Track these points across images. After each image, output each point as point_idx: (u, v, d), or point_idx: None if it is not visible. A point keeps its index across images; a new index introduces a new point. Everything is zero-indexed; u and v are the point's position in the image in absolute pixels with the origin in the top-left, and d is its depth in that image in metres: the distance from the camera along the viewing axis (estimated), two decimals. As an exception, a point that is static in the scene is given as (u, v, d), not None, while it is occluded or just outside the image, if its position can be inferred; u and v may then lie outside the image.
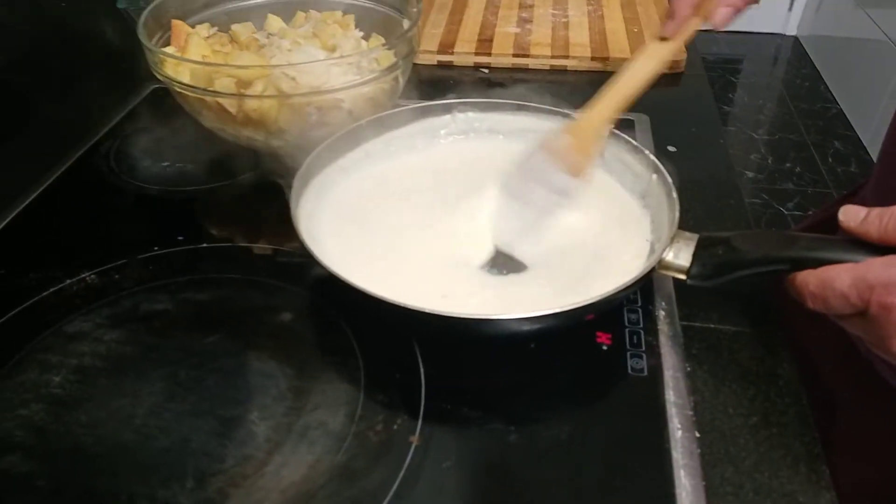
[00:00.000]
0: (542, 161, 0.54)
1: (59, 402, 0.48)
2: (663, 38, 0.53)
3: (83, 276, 0.58)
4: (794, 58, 3.21)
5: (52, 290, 0.57)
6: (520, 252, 0.55)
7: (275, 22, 0.77)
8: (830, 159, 2.44)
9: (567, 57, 0.92)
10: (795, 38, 3.35)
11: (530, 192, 0.55)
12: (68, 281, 0.58)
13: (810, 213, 2.18)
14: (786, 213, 2.19)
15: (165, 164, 0.74)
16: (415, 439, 0.45)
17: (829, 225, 0.65)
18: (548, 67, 0.93)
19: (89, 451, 0.45)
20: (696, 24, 0.52)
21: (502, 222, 0.56)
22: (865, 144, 2.48)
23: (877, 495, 0.58)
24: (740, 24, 3.59)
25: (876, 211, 0.39)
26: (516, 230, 0.55)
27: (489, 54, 0.93)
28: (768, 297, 0.56)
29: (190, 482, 0.43)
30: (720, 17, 0.51)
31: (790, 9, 3.30)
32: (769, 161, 2.45)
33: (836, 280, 0.38)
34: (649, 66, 0.53)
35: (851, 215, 0.40)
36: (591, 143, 0.55)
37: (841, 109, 2.73)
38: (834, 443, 0.58)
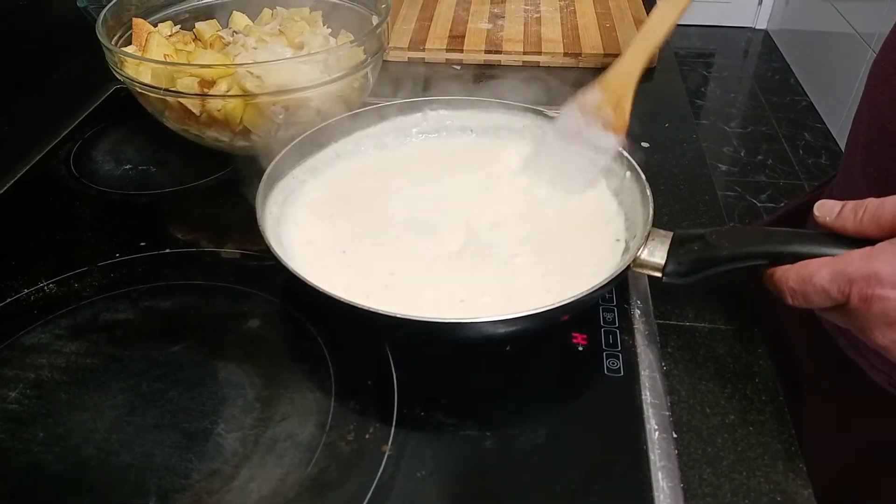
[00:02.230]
0: (578, 119, 0.55)
1: (16, 419, 0.46)
2: None
3: (41, 285, 0.56)
4: (764, 51, 3.25)
5: (8, 300, 0.55)
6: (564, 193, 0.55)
7: (240, 19, 0.75)
8: (801, 151, 2.47)
9: (539, 53, 0.91)
10: (766, 32, 3.39)
11: (568, 150, 0.55)
12: (25, 291, 0.56)
13: (783, 204, 2.21)
14: (759, 205, 2.21)
15: (128, 166, 0.71)
16: (388, 448, 0.44)
17: (799, 215, 0.66)
18: (520, 63, 0.92)
19: (48, 470, 0.43)
20: None
21: (543, 175, 0.57)
22: (835, 136, 2.52)
23: (847, 475, 0.58)
24: (711, 18, 3.62)
25: (850, 205, 0.39)
26: (557, 181, 0.56)
27: (461, 50, 0.92)
28: (743, 291, 0.56)
29: (153, 499, 0.41)
30: None
31: (760, 3, 3.34)
32: (742, 154, 2.47)
33: (815, 275, 0.38)
34: (671, 15, 0.54)
35: (826, 210, 0.40)
36: (623, 97, 0.55)
37: (811, 102, 2.77)
38: (805, 427, 0.58)
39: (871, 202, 0.38)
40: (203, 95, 0.61)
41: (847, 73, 2.46)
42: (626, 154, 0.56)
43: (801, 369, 0.63)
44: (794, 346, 0.65)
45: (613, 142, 0.55)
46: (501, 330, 0.46)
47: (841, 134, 2.48)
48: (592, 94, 0.55)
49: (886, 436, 0.57)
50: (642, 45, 0.55)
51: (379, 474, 0.42)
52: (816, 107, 2.72)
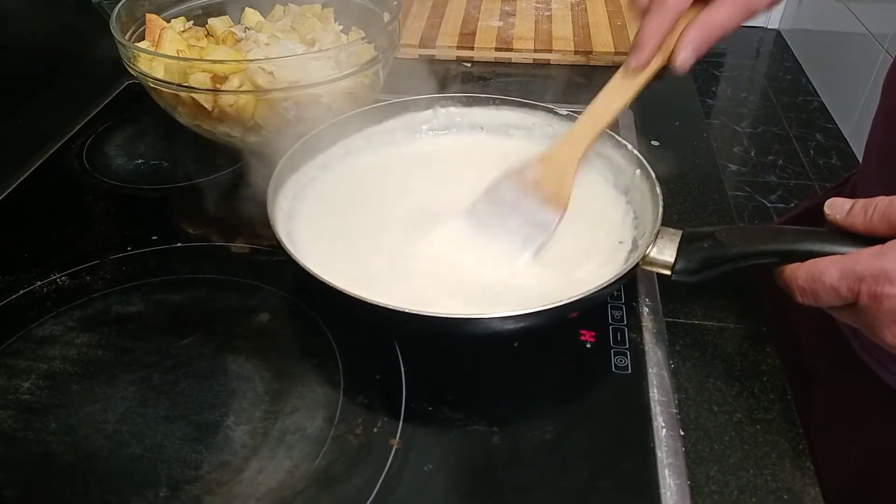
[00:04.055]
0: (516, 191, 0.53)
1: (29, 409, 0.46)
2: (629, 70, 0.53)
3: (54, 277, 0.57)
4: (776, 51, 3.23)
5: (21, 292, 0.55)
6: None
7: (252, 15, 0.76)
8: (812, 152, 2.46)
9: (550, 51, 0.91)
10: (777, 32, 3.36)
11: (505, 222, 0.53)
12: (38, 283, 0.56)
13: (793, 205, 2.20)
14: (769, 205, 2.20)
15: (140, 161, 0.72)
16: (396, 442, 0.44)
17: (812, 217, 0.66)
18: (531, 61, 0.92)
19: (60, 460, 0.43)
20: (659, 62, 0.51)
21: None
22: (847, 137, 2.50)
23: (857, 477, 0.58)
24: (723, 18, 3.60)
25: (861, 203, 0.39)
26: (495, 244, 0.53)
27: (472, 48, 0.92)
28: (752, 290, 0.56)
29: (164, 490, 0.41)
30: (681, 60, 0.49)
31: (772, 2, 3.32)
32: (752, 154, 2.46)
33: (824, 273, 0.38)
34: (619, 100, 0.53)
35: (837, 208, 0.40)
36: (566, 174, 0.54)
37: (822, 102, 2.75)
38: (814, 426, 0.58)
39: (882, 200, 0.38)
40: (215, 91, 0.61)
41: (859, 73, 2.44)
42: (635, 152, 0.56)
43: (812, 368, 0.63)
44: (804, 345, 0.65)
45: (553, 218, 0.53)
46: (510, 326, 0.46)
47: (853, 135, 2.46)
48: (532, 168, 0.54)
49: None
50: (586, 127, 0.54)
51: (387, 468, 0.42)
52: (828, 107, 2.70)
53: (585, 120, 0.55)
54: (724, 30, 0.49)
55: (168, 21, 0.73)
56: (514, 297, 0.50)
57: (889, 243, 0.36)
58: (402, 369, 0.48)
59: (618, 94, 0.53)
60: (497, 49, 0.92)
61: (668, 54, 0.51)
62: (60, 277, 0.57)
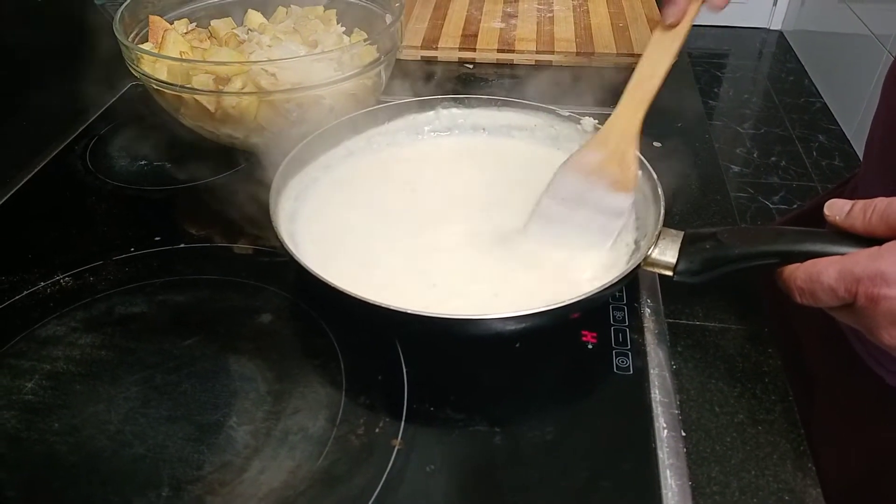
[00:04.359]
0: (577, 182, 0.51)
1: (32, 409, 0.47)
2: (667, 26, 0.51)
3: (57, 278, 0.57)
4: (778, 52, 3.22)
5: (25, 293, 0.56)
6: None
7: (255, 17, 0.76)
8: (815, 153, 2.45)
9: (552, 52, 0.91)
10: (780, 33, 3.36)
11: (574, 216, 0.52)
12: (42, 283, 0.56)
13: (796, 206, 2.19)
14: (771, 206, 2.20)
15: (142, 162, 0.72)
16: (397, 442, 0.44)
17: (813, 217, 0.66)
18: (532, 62, 0.92)
19: (63, 460, 0.44)
20: (696, 7, 0.50)
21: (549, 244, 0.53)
22: (849, 138, 2.50)
23: (859, 477, 0.58)
24: (725, 19, 3.60)
25: (860, 204, 0.39)
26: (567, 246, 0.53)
27: (473, 49, 0.92)
28: (753, 291, 0.56)
29: (166, 490, 0.42)
30: None
31: (775, 3, 3.32)
32: (754, 155, 2.46)
33: (822, 274, 0.38)
34: (665, 60, 0.51)
35: (836, 209, 0.40)
36: (626, 152, 0.52)
37: (825, 103, 2.74)
38: (816, 427, 0.58)
39: (881, 201, 0.38)
40: (218, 92, 0.62)
41: (862, 74, 2.44)
42: (637, 153, 0.56)
43: (813, 369, 0.63)
44: (805, 346, 0.65)
45: (625, 201, 0.51)
46: (512, 327, 0.46)
47: (856, 136, 2.46)
48: (591, 153, 0.51)
49: None
50: (637, 94, 0.51)
51: (388, 468, 0.42)
52: (831, 108, 2.70)
53: (633, 89, 0.52)
54: None
55: (171, 23, 0.73)
56: (516, 297, 0.50)
57: (886, 245, 0.37)
58: (404, 370, 0.49)
59: (661, 55, 0.51)
60: (499, 50, 0.92)
61: (701, 2, 0.49)
62: (64, 278, 0.57)
